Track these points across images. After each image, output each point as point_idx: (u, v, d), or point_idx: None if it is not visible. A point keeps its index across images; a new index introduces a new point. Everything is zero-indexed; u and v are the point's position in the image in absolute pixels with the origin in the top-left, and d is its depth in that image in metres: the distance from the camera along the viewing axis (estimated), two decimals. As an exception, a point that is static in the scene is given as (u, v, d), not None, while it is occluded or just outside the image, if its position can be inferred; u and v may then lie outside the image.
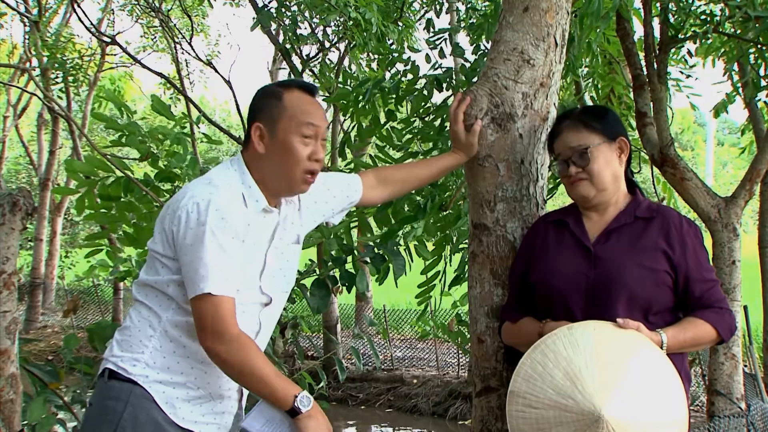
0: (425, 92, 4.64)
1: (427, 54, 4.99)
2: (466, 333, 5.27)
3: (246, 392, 2.51)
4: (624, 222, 2.42)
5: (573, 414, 2.00)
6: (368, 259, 3.81)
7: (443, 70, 4.74)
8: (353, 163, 5.39)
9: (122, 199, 4.16)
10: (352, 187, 2.70)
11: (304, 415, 2.20)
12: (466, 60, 4.97)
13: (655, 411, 2.04)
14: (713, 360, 5.71)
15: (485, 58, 2.89)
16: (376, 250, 3.81)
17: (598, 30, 4.34)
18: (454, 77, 4.73)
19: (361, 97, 4.74)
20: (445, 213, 4.41)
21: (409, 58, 5.07)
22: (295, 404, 2.19)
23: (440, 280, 4.63)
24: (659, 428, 2.04)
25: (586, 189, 2.46)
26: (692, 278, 2.32)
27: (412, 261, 4.21)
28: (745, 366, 6.88)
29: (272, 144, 2.33)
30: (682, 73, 6.46)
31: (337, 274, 3.82)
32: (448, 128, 3.05)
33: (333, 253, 3.93)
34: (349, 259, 3.89)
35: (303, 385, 4.24)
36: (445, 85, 4.67)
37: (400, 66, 5.07)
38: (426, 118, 4.69)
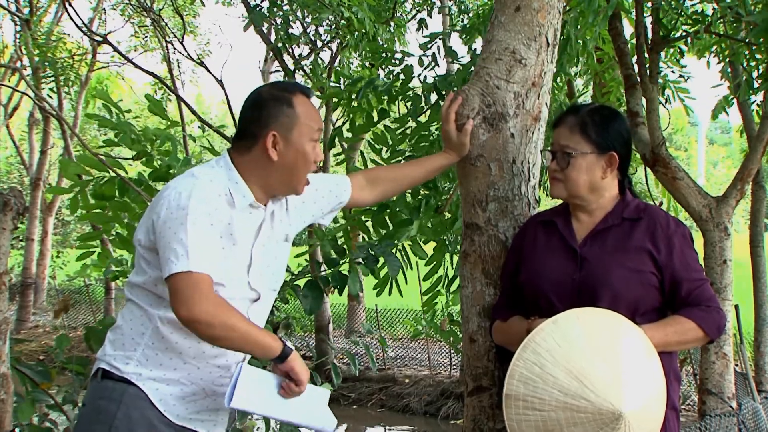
0: (421, 96, 4.60)
1: (420, 57, 4.96)
2: (458, 332, 5.26)
3: None
4: (611, 223, 2.41)
5: (588, 414, 2.01)
6: (361, 260, 3.79)
7: (437, 76, 4.70)
8: (343, 154, 5.37)
9: (116, 199, 4.14)
10: (340, 187, 2.69)
11: (293, 355, 2.26)
12: (461, 65, 4.94)
13: (649, 387, 2.11)
14: (704, 359, 5.73)
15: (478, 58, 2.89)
16: (370, 251, 3.79)
17: (594, 29, 4.32)
18: (452, 83, 4.69)
19: (354, 96, 4.71)
20: (441, 216, 4.37)
21: (403, 58, 5.03)
22: (286, 346, 2.24)
23: (443, 285, 4.60)
24: (656, 402, 2.13)
25: (559, 190, 2.47)
26: (679, 278, 2.32)
27: (409, 263, 4.18)
28: (737, 365, 6.90)
29: (286, 150, 2.34)
30: (674, 72, 6.47)
31: (329, 275, 3.80)
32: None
33: (331, 254, 3.91)
34: (343, 260, 3.87)
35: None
36: (444, 92, 4.63)
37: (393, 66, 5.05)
38: (420, 118, 4.65)
